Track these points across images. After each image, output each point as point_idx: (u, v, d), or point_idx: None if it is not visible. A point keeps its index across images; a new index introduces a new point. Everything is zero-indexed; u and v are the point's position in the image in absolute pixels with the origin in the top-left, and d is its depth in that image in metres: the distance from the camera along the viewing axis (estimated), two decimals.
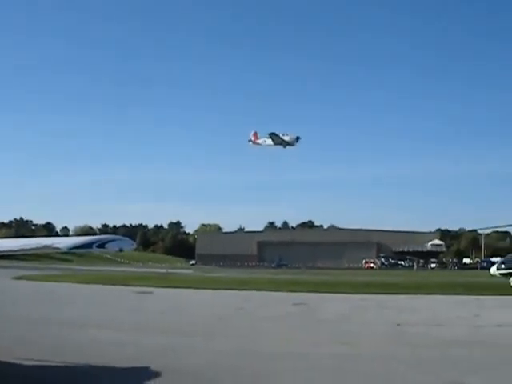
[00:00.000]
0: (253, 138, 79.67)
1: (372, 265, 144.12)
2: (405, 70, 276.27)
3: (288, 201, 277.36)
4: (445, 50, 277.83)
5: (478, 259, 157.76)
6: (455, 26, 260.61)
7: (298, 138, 76.70)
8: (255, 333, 21.74)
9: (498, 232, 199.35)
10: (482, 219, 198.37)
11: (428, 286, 48.00)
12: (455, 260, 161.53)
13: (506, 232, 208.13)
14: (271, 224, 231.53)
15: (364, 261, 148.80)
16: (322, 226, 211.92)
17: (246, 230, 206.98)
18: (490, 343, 19.10)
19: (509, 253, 52.59)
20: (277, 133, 77.61)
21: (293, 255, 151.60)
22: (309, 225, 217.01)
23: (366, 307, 32.30)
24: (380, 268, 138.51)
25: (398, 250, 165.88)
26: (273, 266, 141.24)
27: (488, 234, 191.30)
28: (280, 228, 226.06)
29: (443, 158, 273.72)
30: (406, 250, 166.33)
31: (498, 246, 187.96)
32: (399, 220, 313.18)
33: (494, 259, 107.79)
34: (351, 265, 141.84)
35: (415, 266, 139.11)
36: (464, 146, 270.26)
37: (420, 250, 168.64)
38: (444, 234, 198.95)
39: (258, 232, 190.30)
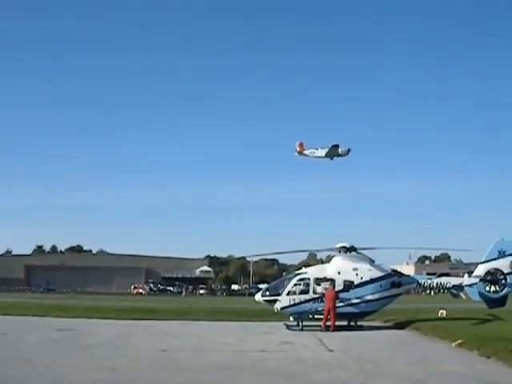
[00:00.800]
0: (299, 149, 72.97)
1: (141, 290, 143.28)
2: None
3: (57, 224, 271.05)
4: None
5: (246, 286, 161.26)
6: None
7: (349, 150, 72.68)
8: (18, 359, 20.97)
9: (266, 259, 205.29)
10: (251, 246, 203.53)
11: (196, 312, 48.45)
12: (224, 286, 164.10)
13: (274, 259, 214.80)
14: (39, 247, 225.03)
15: (133, 286, 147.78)
16: (91, 250, 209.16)
17: (14, 253, 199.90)
18: (255, 368, 19.53)
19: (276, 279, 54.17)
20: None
21: (62, 280, 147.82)
22: (78, 249, 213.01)
23: (134, 333, 32.09)
24: (149, 294, 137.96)
25: (167, 275, 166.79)
26: (40, 290, 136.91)
27: (256, 261, 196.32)
28: (48, 252, 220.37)
29: (207, 184, 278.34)
30: (175, 276, 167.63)
31: (265, 272, 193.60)
32: (169, 246, 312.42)
33: (261, 286, 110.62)
34: (120, 290, 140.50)
35: (184, 292, 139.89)
36: (230, 174, 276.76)
37: (189, 276, 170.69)
38: (213, 260, 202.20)
39: (25, 255, 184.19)
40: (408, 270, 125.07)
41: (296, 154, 72.46)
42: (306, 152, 72.41)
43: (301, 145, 72.62)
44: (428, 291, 47.40)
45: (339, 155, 71.84)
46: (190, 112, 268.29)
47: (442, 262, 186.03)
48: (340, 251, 38.34)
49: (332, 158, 72.02)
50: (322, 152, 71.65)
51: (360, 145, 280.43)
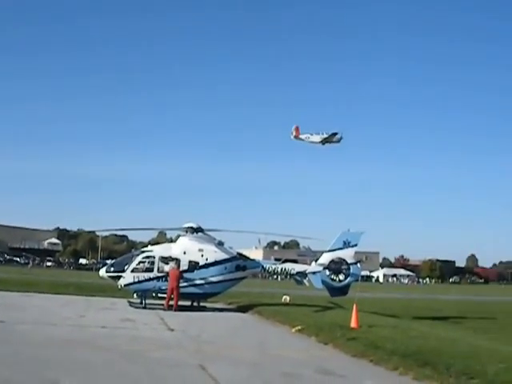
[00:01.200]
0: (295, 133, 72.09)
1: None
2: None
3: None
4: None
5: (94, 260, 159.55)
6: None
7: (341, 138, 72.64)
8: None
9: (115, 235, 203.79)
10: (99, 221, 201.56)
11: (40, 284, 47.42)
12: (71, 260, 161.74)
13: (124, 236, 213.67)
14: None
15: None
16: None
17: None
18: (93, 344, 19.42)
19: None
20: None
21: None
22: None
23: None
24: None
25: (14, 246, 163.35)
26: None
27: (106, 237, 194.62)
28: None
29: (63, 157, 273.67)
30: (22, 246, 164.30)
31: (114, 248, 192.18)
32: (17, 216, 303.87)
33: (108, 261, 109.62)
34: None
35: (30, 264, 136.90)
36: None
37: (37, 247, 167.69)
38: (62, 233, 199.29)
39: None
40: (257, 254, 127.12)
41: (292, 137, 74.44)
42: (301, 136, 74.80)
43: (297, 129, 74.57)
44: (274, 276, 48.39)
45: (332, 142, 74.31)
46: None
47: (290, 249, 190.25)
48: (187, 231, 38.54)
49: (324, 144, 74.32)
50: (317, 137, 73.98)
51: None
